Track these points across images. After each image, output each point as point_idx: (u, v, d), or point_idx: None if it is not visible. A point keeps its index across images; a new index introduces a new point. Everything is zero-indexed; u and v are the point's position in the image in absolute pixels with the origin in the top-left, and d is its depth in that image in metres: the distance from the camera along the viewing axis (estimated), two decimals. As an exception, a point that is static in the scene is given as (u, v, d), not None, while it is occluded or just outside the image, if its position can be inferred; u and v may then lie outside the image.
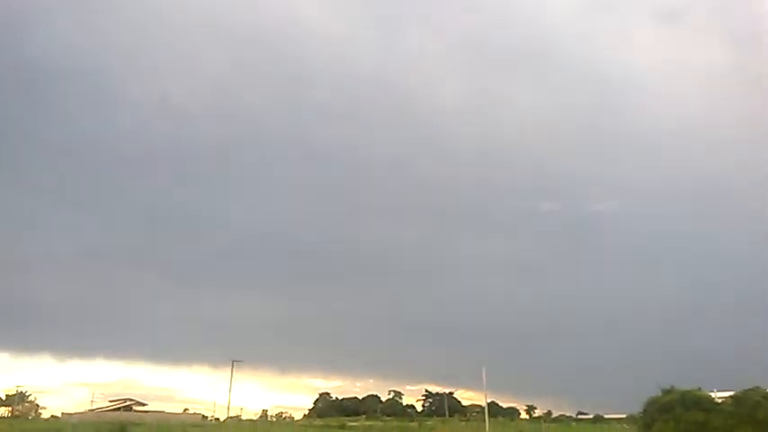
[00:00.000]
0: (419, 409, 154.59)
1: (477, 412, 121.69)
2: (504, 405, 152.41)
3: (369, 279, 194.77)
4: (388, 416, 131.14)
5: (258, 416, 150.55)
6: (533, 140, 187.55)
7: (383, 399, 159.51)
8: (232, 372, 77.23)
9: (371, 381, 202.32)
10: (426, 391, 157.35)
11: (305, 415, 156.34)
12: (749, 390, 43.49)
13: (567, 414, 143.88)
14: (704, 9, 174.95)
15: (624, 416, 76.88)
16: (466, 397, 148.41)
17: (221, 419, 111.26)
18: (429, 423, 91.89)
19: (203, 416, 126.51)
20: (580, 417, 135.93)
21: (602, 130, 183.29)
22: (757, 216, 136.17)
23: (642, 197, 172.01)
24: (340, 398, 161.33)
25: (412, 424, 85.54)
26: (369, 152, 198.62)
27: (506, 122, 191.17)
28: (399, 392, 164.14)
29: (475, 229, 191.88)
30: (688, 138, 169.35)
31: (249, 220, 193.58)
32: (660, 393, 46.70)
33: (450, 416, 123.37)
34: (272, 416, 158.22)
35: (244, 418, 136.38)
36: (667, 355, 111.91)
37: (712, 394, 47.94)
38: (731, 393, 45.37)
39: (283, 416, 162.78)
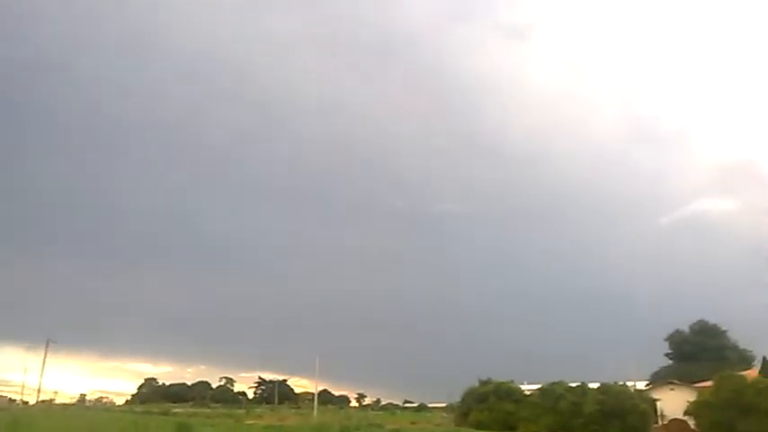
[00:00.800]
0: (251, 396, 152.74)
1: (309, 400, 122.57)
2: (337, 393, 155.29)
3: (212, 263, 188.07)
4: (217, 402, 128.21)
5: (75, 400, 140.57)
6: (384, 139, 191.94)
7: (214, 385, 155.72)
8: (46, 351, 71.11)
9: (203, 367, 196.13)
10: (260, 378, 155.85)
11: (127, 401, 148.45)
12: (554, 383, 47.80)
13: (395, 402, 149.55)
14: (547, 32, 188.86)
15: (445, 404, 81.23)
16: (299, 385, 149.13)
17: (31, 403, 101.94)
18: (258, 410, 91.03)
19: (10, 399, 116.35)
20: (406, 405, 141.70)
21: (453, 134, 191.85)
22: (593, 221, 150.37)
23: (484, 200, 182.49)
24: (168, 383, 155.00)
25: (240, 411, 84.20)
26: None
27: (358, 122, 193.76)
28: (232, 379, 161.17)
29: (323, 220, 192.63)
30: (532, 144, 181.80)
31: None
32: (478, 384, 49.99)
33: (280, 403, 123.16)
34: (90, 400, 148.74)
35: (58, 401, 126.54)
36: (491, 349, 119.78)
37: (523, 386, 52.06)
38: (539, 386, 49.59)
39: (103, 401, 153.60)
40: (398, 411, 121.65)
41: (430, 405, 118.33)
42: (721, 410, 40.30)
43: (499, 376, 50.86)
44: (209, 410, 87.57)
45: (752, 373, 45.77)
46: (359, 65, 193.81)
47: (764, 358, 48.30)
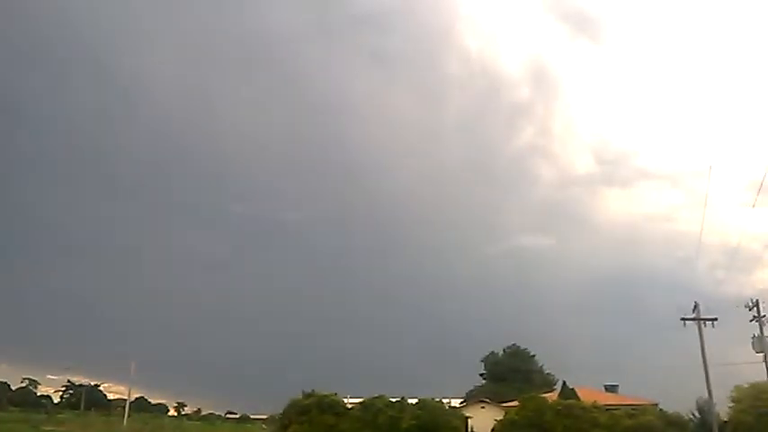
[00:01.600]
0: (56, 400, 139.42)
1: (123, 407, 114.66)
2: (154, 401, 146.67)
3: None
4: (16, 406, 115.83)
5: None
6: (234, 146, 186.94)
7: (14, 387, 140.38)
8: None
9: (4, 366, 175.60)
10: (69, 381, 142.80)
11: None
12: (375, 397, 48.83)
13: (217, 413, 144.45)
14: (407, 62, 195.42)
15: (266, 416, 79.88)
16: (113, 391, 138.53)
17: None
18: (61, 416, 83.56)
19: None
20: (229, 416, 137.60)
21: (306, 147, 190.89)
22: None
23: (324, 209, 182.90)
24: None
25: (40, 416, 76.68)
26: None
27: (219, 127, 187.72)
28: (36, 381, 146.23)
29: (158, 223, 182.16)
30: (362, 155, 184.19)
31: None
32: (301, 396, 49.62)
33: (88, 409, 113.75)
34: None
35: None
36: (319, 360, 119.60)
37: (346, 400, 52.56)
38: (361, 400, 50.40)
39: None
40: (219, 422, 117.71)
41: (253, 416, 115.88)
42: (524, 429, 43.68)
43: (326, 388, 50.90)
44: (5, 414, 78.96)
45: (552, 396, 50.02)
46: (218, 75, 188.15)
47: (564, 382, 52.98)
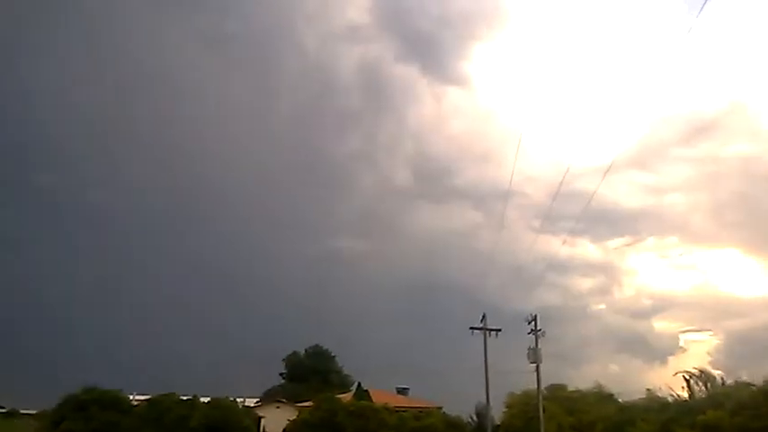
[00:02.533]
0: None
1: None
2: None
3: None
4: None
5: None
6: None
7: None
8: None
9: None
10: None
11: None
12: (163, 395, 46.21)
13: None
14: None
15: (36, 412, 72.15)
16: None
17: None
18: None
19: None
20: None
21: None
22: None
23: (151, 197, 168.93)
24: None
25: None
26: None
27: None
28: None
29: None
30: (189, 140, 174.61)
31: None
32: (80, 391, 45.43)
33: None
34: None
35: None
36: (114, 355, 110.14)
37: (132, 397, 49.15)
38: (148, 397, 47.42)
39: None
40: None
41: (23, 412, 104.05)
42: (316, 429, 43.96)
43: (112, 384, 46.99)
44: None
45: (347, 397, 51.01)
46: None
47: (359, 384, 54.31)
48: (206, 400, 47.10)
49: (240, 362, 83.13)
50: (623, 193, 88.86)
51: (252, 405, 58.41)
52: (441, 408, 51.16)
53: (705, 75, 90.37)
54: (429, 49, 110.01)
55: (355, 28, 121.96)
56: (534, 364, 38.66)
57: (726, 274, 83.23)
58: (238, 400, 52.18)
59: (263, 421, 51.72)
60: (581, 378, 54.17)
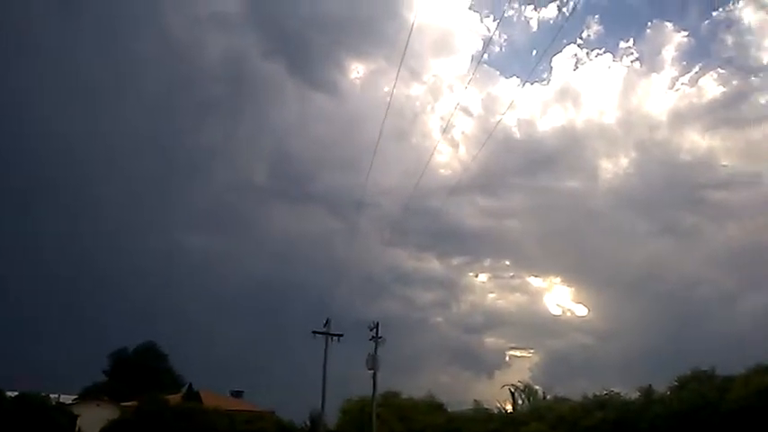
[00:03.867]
0: None
1: None
2: None
3: None
4: None
5: None
6: None
7: None
8: None
9: None
10: None
11: None
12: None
13: None
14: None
15: None
16: None
17: None
18: None
19: None
20: None
21: None
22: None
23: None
24: None
25: None
26: None
27: None
28: None
29: None
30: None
31: None
32: None
33: None
34: None
35: None
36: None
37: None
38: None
39: None
40: None
41: None
42: (138, 430, 41.08)
43: None
44: None
45: (176, 398, 48.36)
46: None
47: (190, 385, 51.87)
48: (13, 394, 42.55)
49: (62, 357, 75.98)
50: (467, 214, 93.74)
51: (68, 402, 53.40)
52: (273, 412, 50.16)
53: (549, 112, 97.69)
54: (299, 50, 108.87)
55: (223, 16, 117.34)
56: (372, 371, 38.98)
57: (548, 298, 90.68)
58: (52, 396, 47.52)
59: (79, 420, 47.33)
60: (415, 387, 55.79)
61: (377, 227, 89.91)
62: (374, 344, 38.85)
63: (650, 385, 36.28)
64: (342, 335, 39.73)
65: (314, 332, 39.49)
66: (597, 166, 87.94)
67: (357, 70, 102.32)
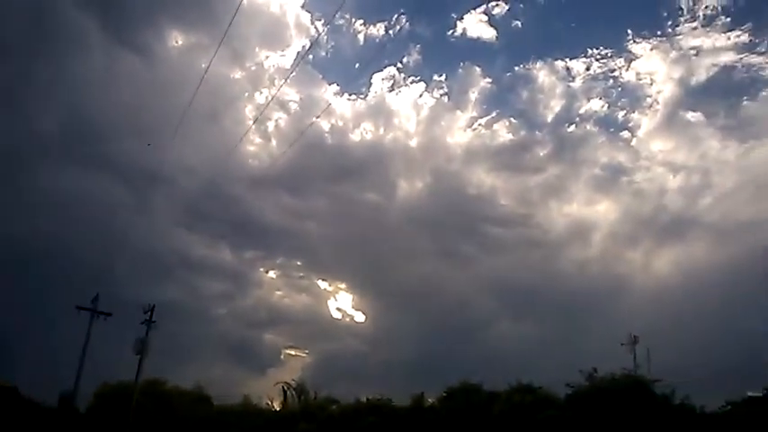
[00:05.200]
0: None
1: None
2: None
3: None
4: None
5: None
6: None
7: None
8: None
9: None
10: None
11: None
12: None
13: None
14: None
15: None
16: None
17: None
18: None
19: None
20: None
21: None
22: None
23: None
24: None
25: None
26: None
27: None
28: None
29: None
30: None
31: None
32: None
33: None
34: None
35: None
36: None
37: None
38: None
39: None
40: None
41: None
42: None
43: None
44: None
45: None
46: None
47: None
48: None
49: None
50: (268, 209, 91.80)
51: None
52: (16, 388, 44.53)
53: (362, 125, 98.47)
54: (116, 5, 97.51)
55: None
56: (139, 356, 36.26)
57: (332, 303, 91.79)
58: None
59: None
60: (185, 377, 52.92)
61: (170, 205, 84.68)
62: (146, 328, 36.30)
63: (422, 393, 38.28)
64: (110, 314, 36.33)
65: (78, 308, 35.73)
66: (396, 184, 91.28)
67: (176, 39, 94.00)
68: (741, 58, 61.26)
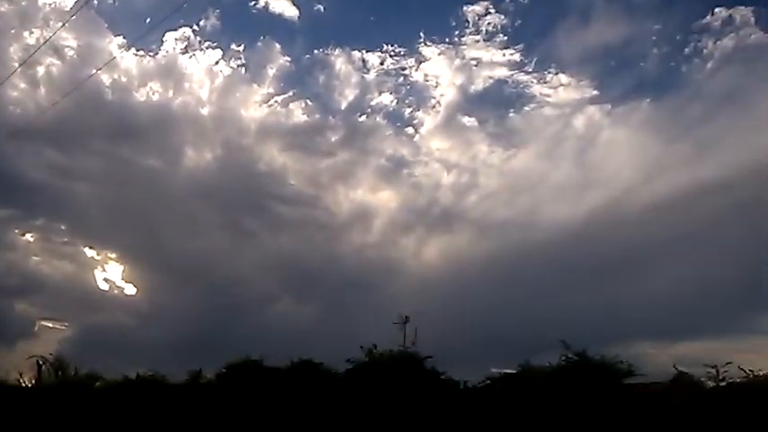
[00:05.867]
0: None
1: None
2: None
3: None
4: None
5: None
6: None
7: None
8: None
9: None
10: None
11: None
12: None
13: None
14: None
15: None
16: None
17: None
18: None
19: None
20: None
21: None
22: None
23: None
24: None
25: None
26: None
27: None
28: None
29: None
30: None
31: None
32: None
33: None
34: None
35: None
36: None
37: None
38: None
39: None
40: None
41: None
42: None
43: None
44: None
45: None
46: None
47: None
48: None
49: None
50: (30, 164, 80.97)
51: None
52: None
53: (149, 85, 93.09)
54: None
55: None
56: None
57: (99, 273, 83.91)
58: None
59: None
60: None
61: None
62: None
63: (200, 369, 36.99)
64: None
65: None
66: (182, 153, 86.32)
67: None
68: (512, 75, 68.94)
